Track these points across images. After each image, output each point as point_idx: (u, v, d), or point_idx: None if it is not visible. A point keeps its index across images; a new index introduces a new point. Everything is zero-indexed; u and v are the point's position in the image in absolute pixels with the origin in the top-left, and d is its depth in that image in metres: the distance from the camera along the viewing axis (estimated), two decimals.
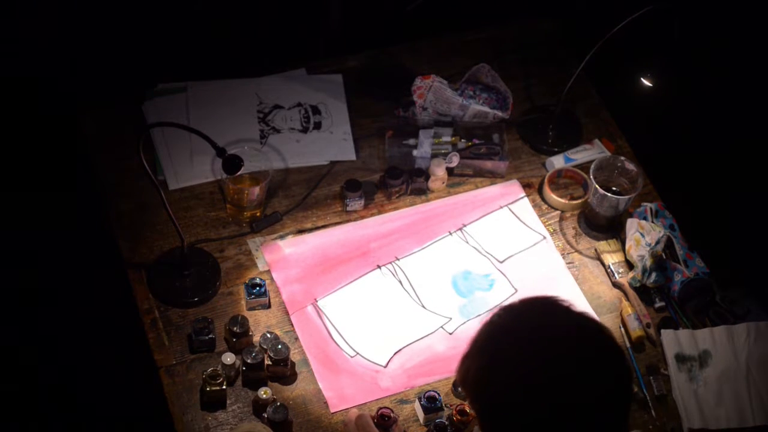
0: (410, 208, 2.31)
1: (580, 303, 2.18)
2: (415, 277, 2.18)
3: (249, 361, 1.98)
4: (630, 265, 2.23)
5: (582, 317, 1.49)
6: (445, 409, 1.99)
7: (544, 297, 1.52)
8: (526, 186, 2.37)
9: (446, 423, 1.97)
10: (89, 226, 2.59)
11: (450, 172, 2.34)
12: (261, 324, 2.10)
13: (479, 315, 2.15)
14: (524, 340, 1.45)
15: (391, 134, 2.38)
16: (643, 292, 2.20)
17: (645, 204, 2.27)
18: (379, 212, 2.29)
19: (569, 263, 2.26)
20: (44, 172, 2.82)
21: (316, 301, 2.14)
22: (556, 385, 1.41)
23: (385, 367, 2.06)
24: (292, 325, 2.10)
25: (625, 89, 2.39)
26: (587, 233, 2.30)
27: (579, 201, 2.33)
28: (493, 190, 2.36)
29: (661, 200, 2.33)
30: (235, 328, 2.02)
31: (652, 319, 2.16)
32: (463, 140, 2.36)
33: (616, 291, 2.22)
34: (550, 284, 2.21)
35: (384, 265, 2.20)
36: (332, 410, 2.00)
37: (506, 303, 1.51)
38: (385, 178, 2.31)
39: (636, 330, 2.13)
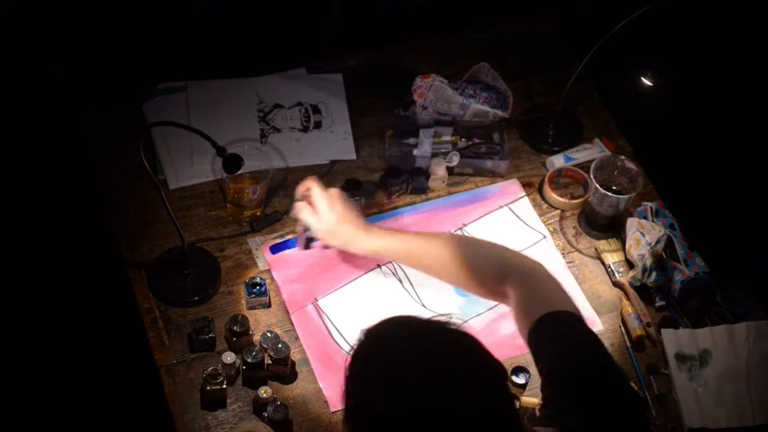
0: (410, 208, 2.31)
1: (580, 302, 2.18)
2: (415, 277, 2.18)
3: (249, 360, 1.98)
4: (630, 265, 2.23)
5: (439, 329, 1.46)
6: None
7: (399, 317, 1.48)
8: (527, 185, 2.37)
9: None
10: (89, 225, 2.59)
11: (450, 171, 2.34)
12: (261, 323, 2.10)
13: (479, 314, 2.15)
14: (382, 365, 1.41)
15: (391, 133, 2.38)
16: (643, 291, 2.20)
17: (645, 203, 2.27)
18: (380, 212, 2.29)
19: (569, 262, 2.26)
20: (44, 171, 2.82)
21: (317, 301, 2.14)
22: (423, 406, 1.37)
23: None
24: (292, 324, 2.10)
25: (626, 88, 2.38)
26: (587, 232, 2.30)
27: (579, 200, 2.33)
28: (494, 189, 2.36)
29: (661, 199, 2.33)
30: (235, 328, 2.02)
31: (653, 319, 2.16)
32: (463, 139, 2.36)
33: (616, 290, 2.22)
34: None
35: (384, 265, 2.20)
36: (332, 409, 2.00)
37: (367, 327, 1.48)
38: (386, 177, 2.31)
39: (636, 329, 2.13)
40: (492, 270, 1.89)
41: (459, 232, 2.27)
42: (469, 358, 1.43)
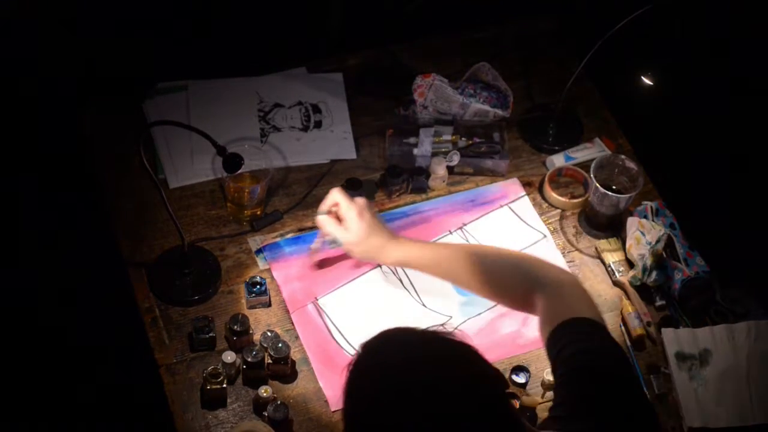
0: (410, 207, 2.31)
1: None
2: (416, 276, 2.18)
3: (249, 359, 1.98)
4: (630, 264, 2.23)
5: (436, 341, 1.46)
6: None
7: (396, 329, 1.49)
8: (527, 185, 2.37)
9: None
10: (89, 224, 2.59)
11: (450, 170, 2.34)
12: (261, 322, 2.10)
13: (479, 314, 2.14)
14: (380, 379, 1.42)
15: (391, 133, 2.38)
16: (643, 290, 2.20)
17: (645, 202, 2.27)
18: (380, 211, 2.29)
19: (569, 262, 2.26)
20: (44, 171, 2.82)
21: (317, 300, 2.14)
22: (421, 419, 1.37)
23: None
24: (292, 323, 2.10)
25: (626, 88, 2.39)
26: (588, 232, 2.30)
27: (579, 200, 2.33)
28: (494, 188, 2.36)
29: (661, 199, 2.33)
30: (235, 327, 2.02)
31: (653, 318, 2.16)
32: (463, 139, 2.36)
33: (616, 290, 2.22)
34: None
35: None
36: (332, 409, 2.00)
37: (365, 341, 1.49)
38: (386, 176, 2.31)
39: (636, 329, 2.13)
40: (521, 282, 1.86)
41: (459, 232, 2.27)
42: (466, 370, 1.43)
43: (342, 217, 2.04)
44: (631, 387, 1.62)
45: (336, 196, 2.05)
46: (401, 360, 1.43)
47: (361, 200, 2.05)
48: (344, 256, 2.18)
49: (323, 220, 2.06)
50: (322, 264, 2.19)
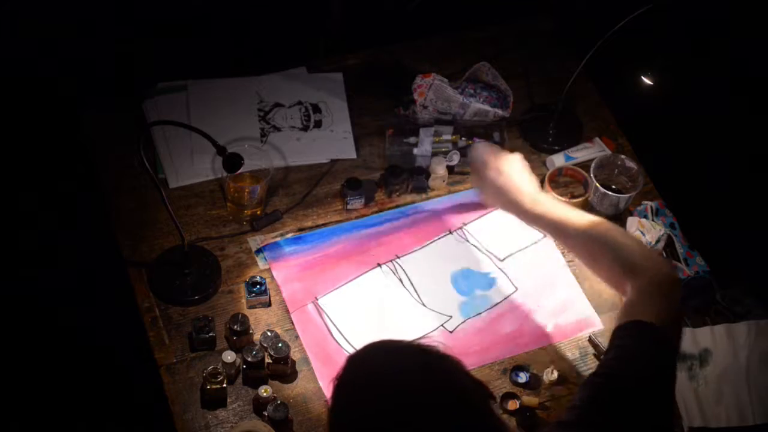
0: (410, 207, 2.31)
1: (580, 301, 2.18)
2: (416, 276, 2.18)
3: (249, 359, 1.98)
4: None
5: (419, 353, 1.48)
6: None
7: (382, 341, 1.52)
8: None
9: None
10: (90, 224, 2.59)
11: (450, 170, 2.34)
12: (261, 322, 2.10)
13: (479, 313, 2.15)
14: (363, 389, 1.45)
15: (391, 132, 2.38)
16: None
17: (645, 202, 2.27)
18: (380, 210, 2.29)
19: (570, 261, 2.25)
20: (44, 171, 2.82)
21: (317, 300, 2.14)
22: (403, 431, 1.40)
23: None
24: (292, 323, 2.10)
25: (626, 87, 2.39)
26: None
27: (579, 199, 2.33)
28: None
29: (661, 198, 2.33)
30: (235, 327, 2.02)
31: None
32: (463, 138, 2.36)
33: None
34: (551, 282, 2.21)
35: (384, 264, 2.20)
36: None
37: (351, 354, 1.54)
38: (386, 176, 2.31)
39: None
40: (623, 265, 1.86)
41: (459, 232, 2.27)
42: (448, 381, 1.45)
43: (493, 157, 2.14)
44: (654, 403, 1.62)
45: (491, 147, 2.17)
46: (384, 372, 1.45)
47: (516, 154, 2.16)
48: (344, 256, 2.18)
49: (481, 146, 2.18)
50: (322, 264, 2.19)
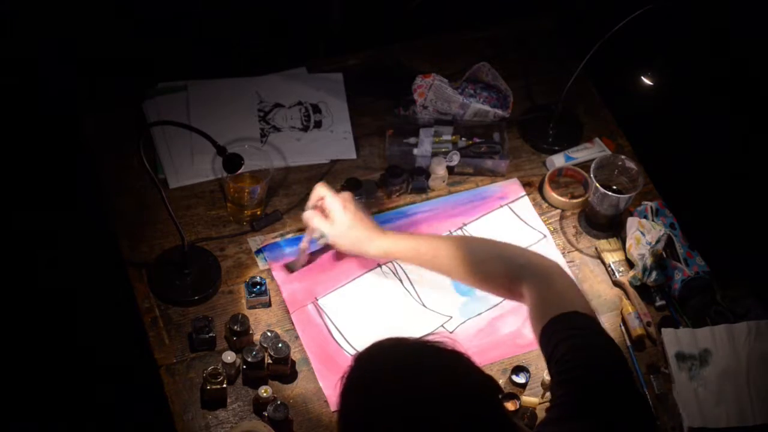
0: (410, 207, 2.31)
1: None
2: (416, 276, 2.18)
3: (249, 359, 1.98)
4: (630, 264, 2.23)
5: (428, 350, 1.48)
6: None
7: (389, 339, 1.51)
8: (527, 185, 2.37)
9: None
10: (90, 224, 2.59)
11: (450, 170, 2.34)
12: (261, 322, 2.10)
13: (479, 314, 2.15)
14: (372, 388, 1.44)
15: (391, 133, 2.38)
16: (643, 290, 2.20)
17: (645, 202, 2.27)
18: (380, 211, 2.29)
19: (570, 262, 2.26)
20: (44, 171, 2.82)
21: (317, 300, 2.14)
22: (413, 428, 1.39)
23: None
24: (292, 323, 2.10)
25: (626, 88, 2.39)
26: (588, 232, 2.30)
27: (579, 200, 2.33)
28: (494, 188, 2.36)
29: (661, 199, 2.33)
30: (235, 327, 2.02)
31: (653, 318, 2.16)
32: (463, 139, 2.36)
33: (616, 290, 2.22)
34: None
35: (384, 264, 2.20)
36: (333, 409, 2.00)
37: (358, 352, 1.52)
38: (386, 176, 2.31)
39: (636, 329, 2.13)
40: (505, 271, 1.88)
41: (459, 232, 2.27)
42: (457, 378, 1.44)
43: (326, 209, 2.07)
44: (626, 382, 1.62)
45: (320, 191, 2.08)
46: (392, 370, 1.44)
47: (345, 193, 2.09)
48: (344, 256, 2.18)
49: (309, 215, 2.09)
50: (322, 264, 2.19)
